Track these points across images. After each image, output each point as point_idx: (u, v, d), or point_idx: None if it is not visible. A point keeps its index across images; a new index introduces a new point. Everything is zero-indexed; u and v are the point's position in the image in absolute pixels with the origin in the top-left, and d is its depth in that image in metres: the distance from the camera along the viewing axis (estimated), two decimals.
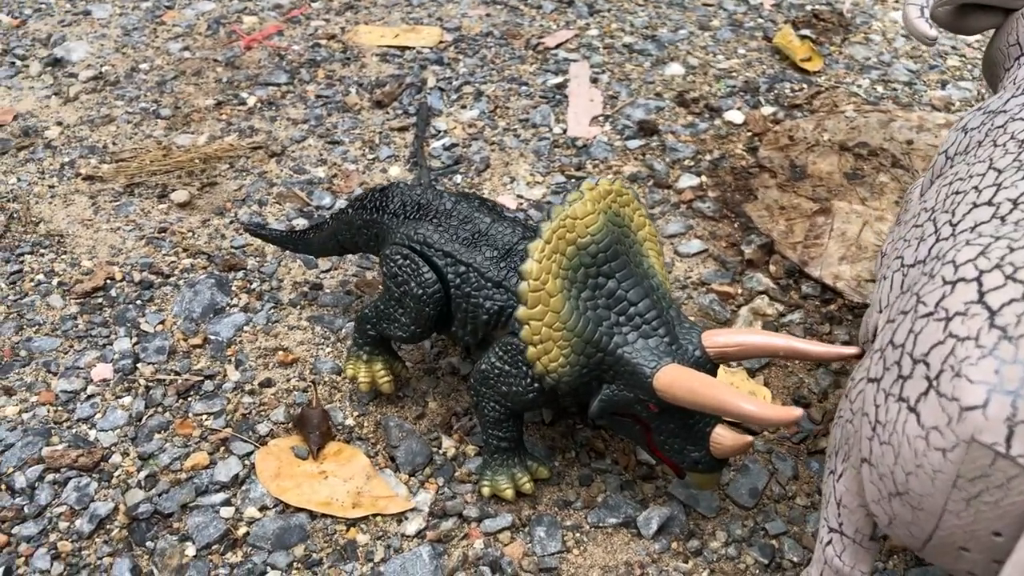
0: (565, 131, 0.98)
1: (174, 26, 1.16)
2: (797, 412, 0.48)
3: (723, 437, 0.55)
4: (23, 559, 0.59)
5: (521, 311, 0.54)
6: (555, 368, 0.55)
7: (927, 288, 0.41)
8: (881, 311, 0.48)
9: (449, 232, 0.62)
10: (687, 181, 0.90)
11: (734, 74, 1.07)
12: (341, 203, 0.87)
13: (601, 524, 0.61)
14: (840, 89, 1.04)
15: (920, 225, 0.49)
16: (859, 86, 1.05)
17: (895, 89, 1.04)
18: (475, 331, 0.61)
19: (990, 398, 0.36)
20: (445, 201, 0.64)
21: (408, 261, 0.61)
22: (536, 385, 0.57)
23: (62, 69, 1.07)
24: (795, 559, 0.59)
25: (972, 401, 0.36)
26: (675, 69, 1.08)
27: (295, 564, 0.58)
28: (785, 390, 0.70)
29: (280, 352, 0.73)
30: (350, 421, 0.67)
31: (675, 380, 0.52)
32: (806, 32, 1.15)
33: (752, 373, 0.71)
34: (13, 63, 1.08)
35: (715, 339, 0.55)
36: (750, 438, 0.54)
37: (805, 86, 1.05)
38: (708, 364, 0.55)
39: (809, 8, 1.21)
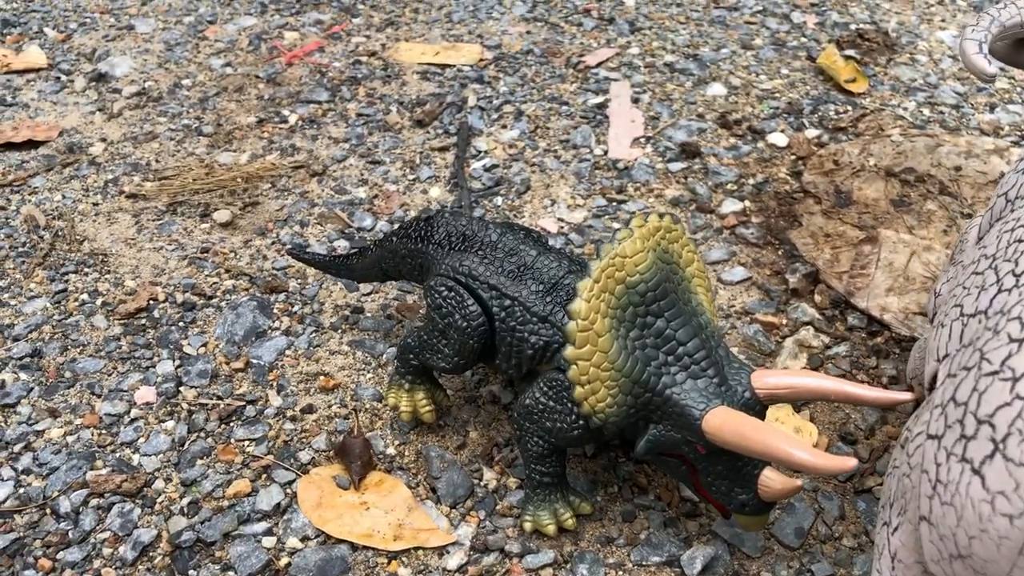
0: (606, 152, 0.97)
1: (216, 41, 1.17)
2: (851, 463, 0.47)
3: (772, 480, 0.54)
4: None
5: (569, 351, 0.53)
6: (602, 408, 0.54)
7: (991, 345, 0.40)
8: (940, 360, 0.47)
9: (495, 264, 0.61)
10: (730, 206, 0.89)
11: (777, 95, 1.06)
12: (382, 224, 0.87)
13: (644, 562, 0.60)
14: (886, 112, 1.03)
15: (980, 272, 0.47)
16: (905, 108, 1.03)
17: (942, 112, 1.03)
18: (520, 365, 0.60)
19: None
20: (491, 232, 0.63)
21: (453, 293, 0.61)
22: (581, 422, 0.57)
23: (106, 84, 1.08)
24: None
25: None
26: (717, 89, 1.07)
27: None
28: (831, 425, 0.69)
29: (322, 377, 0.73)
30: (391, 450, 0.67)
31: (725, 424, 0.52)
32: (850, 52, 1.13)
33: (797, 408, 0.70)
34: (58, 78, 1.10)
35: (765, 380, 0.54)
36: (800, 483, 0.53)
37: (850, 108, 1.04)
38: (757, 406, 0.54)
39: (853, 27, 1.20)
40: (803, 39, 1.18)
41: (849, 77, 1.08)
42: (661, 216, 0.57)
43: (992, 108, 1.03)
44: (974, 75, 0.62)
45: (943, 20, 1.22)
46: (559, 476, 0.61)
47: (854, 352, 0.74)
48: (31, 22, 1.22)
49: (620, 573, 0.60)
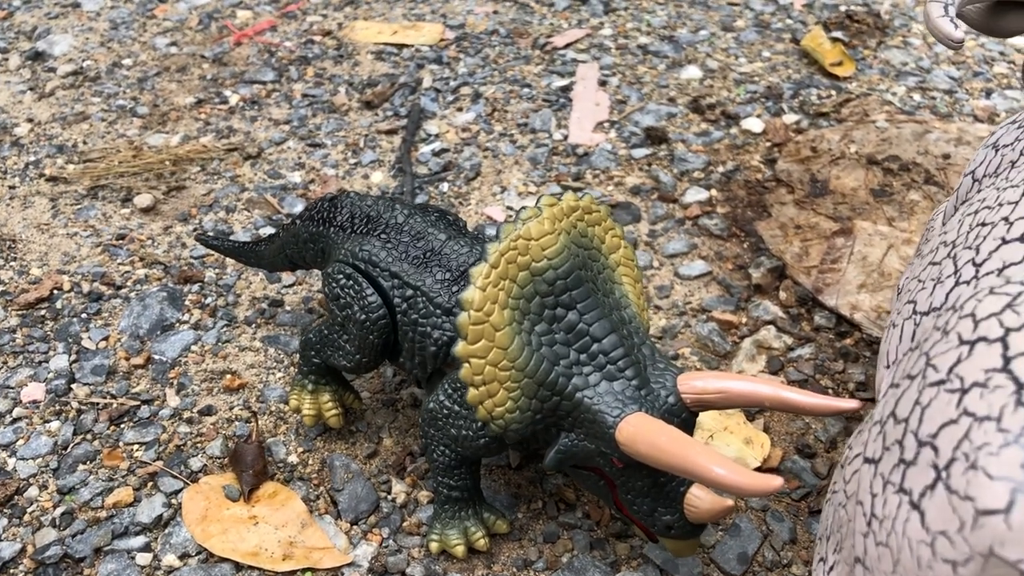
0: (566, 137, 0.90)
1: (164, 20, 1.10)
2: (776, 483, 0.39)
3: (699, 500, 0.46)
4: None
5: (460, 347, 0.46)
6: (501, 413, 0.47)
7: (939, 348, 0.33)
8: (888, 366, 0.40)
9: (398, 249, 0.54)
10: (695, 195, 0.82)
11: (756, 79, 0.99)
12: None
13: None
14: (872, 97, 0.95)
15: (938, 263, 0.40)
16: (894, 93, 0.96)
17: (934, 98, 0.95)
18: (423, 364, 0.53)
19: (1015, 500, 0.27)
20: (397, 214, 0.56)
21: (351, 281, 0.54)
22: (488, 429, 0.50)
23: (42, 63, 1.02)
24: None
25: (991, 503, 0.28)
26: (692, 72, 1.00)
27: None
28: (788, 436, 0.61)
29: (227, 376, 0.66)
30: (293, 458, 0.60)
31: (638, 432, 0.44)
32: (838, 34, 1.05)
33: (751, 417, 0.63)
34: None
35: (692, 384, 0.47)
36: (731, 503, 0.46)
37: (834, 92, 0.96)
38: (684, 413, 0.47)
39: (843, 9, 1.12)
40: (788, 21, 1.10)
41: (835, 60, 1.00)
42: (580, 196, 0.50)
43: (988, 94, 0.96)
44: (939, 40, 0.54)
45: None
46: (470, 490, 0.54)
47: (819, 354, 0.67)
48: None
49: None
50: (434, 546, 0.54)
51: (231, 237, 0.77)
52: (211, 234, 0.71)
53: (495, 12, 1.12)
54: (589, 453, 0.48)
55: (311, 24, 1.09)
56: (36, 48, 1.04)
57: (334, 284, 0.55)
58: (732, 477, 0.40)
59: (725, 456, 0.42)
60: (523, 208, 0.47)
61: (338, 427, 0.60)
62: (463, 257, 0.53)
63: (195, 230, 0.79)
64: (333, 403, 0.60)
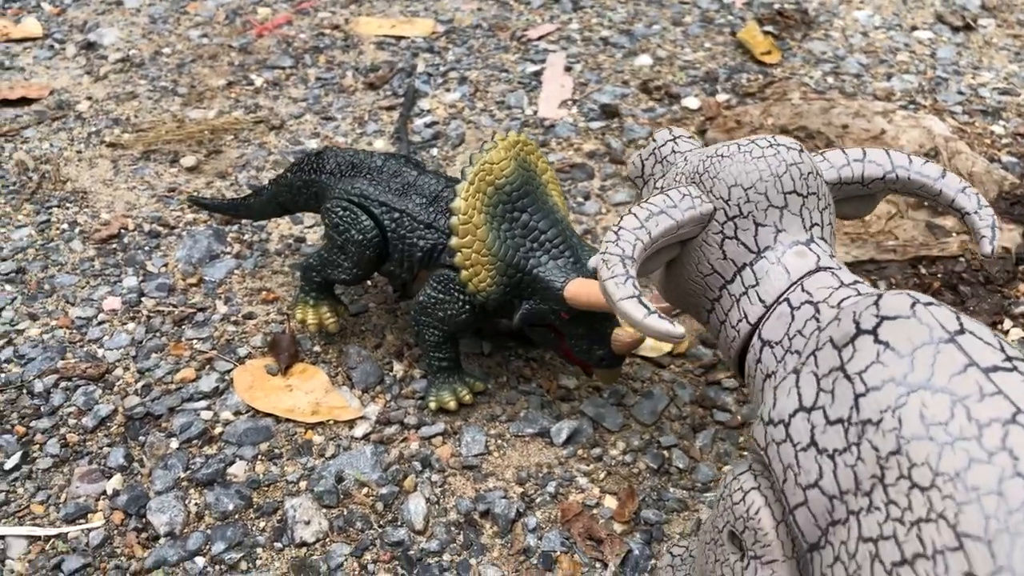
0: (536, 112, 1.08)
1: (196, 16, 1.29)
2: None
3: (621, 335, 0.65)
4: (38, 446, 0.71)
5: (454, 240, 0.65)
6: (484, 287, 0.66)
7: None
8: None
9: (382, 185, 0.73)
10: None
11: (697, 66, 1.17)
12: None
13: (520, 433, 0.71)
14: (793, 80, 1.14)
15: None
16: (811, 77, 1.14)
17: (843, 80, 1.14)
18: (411, 268, 0.72)
19: None
20: (375, 159, 0.75)
21: (348, 212, 0.72)
22: (468, 307, 0.68)
23: (94, 52, 1.20)
24: (681, 466, 0.69)
25: None
26: (644, 60, 1.19)
27: (259, 456, 0.70)
28: (694, 332, 0.80)
29: (263, 292, 0.84)
30: (317, 348, 0.79)
31: (580, 289, 0.63)
32: (770, 28, 1.24)
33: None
34: (52, 46, 1.22)
35: None
36: (641, 336, 0.65)
37: (761, 77, 1.15)
38: None
39: (776, 6, 1.31)
40: (730, 17, 1.29)
41: (765, 50, 1.19)
42: (519, 132, 0.69)
43: (889, 77, 1.14)
44: (655, 337, 0.44)
45: (862, 0, 1.33)
46: (455, 361, 0.72)
47: None
48: None
49: (499, 441, 0.71)
50: (433, 405, 0.72)
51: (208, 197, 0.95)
52: (192, 196, 0.89)
53: (479, 9, 1.30)
54: (543, 313, 0.67)
55: (322, 19, 1.28)
56: (88, 39, 1.22)
57: (334, 215, 0.73)
58: None
59: None
60: (484, 143, 0.66)
61: (336, 331, 0.78)
62: (433, 186, 0.71)
63: (231, 185, 0.97)
64: (331, 313, 0.78)
